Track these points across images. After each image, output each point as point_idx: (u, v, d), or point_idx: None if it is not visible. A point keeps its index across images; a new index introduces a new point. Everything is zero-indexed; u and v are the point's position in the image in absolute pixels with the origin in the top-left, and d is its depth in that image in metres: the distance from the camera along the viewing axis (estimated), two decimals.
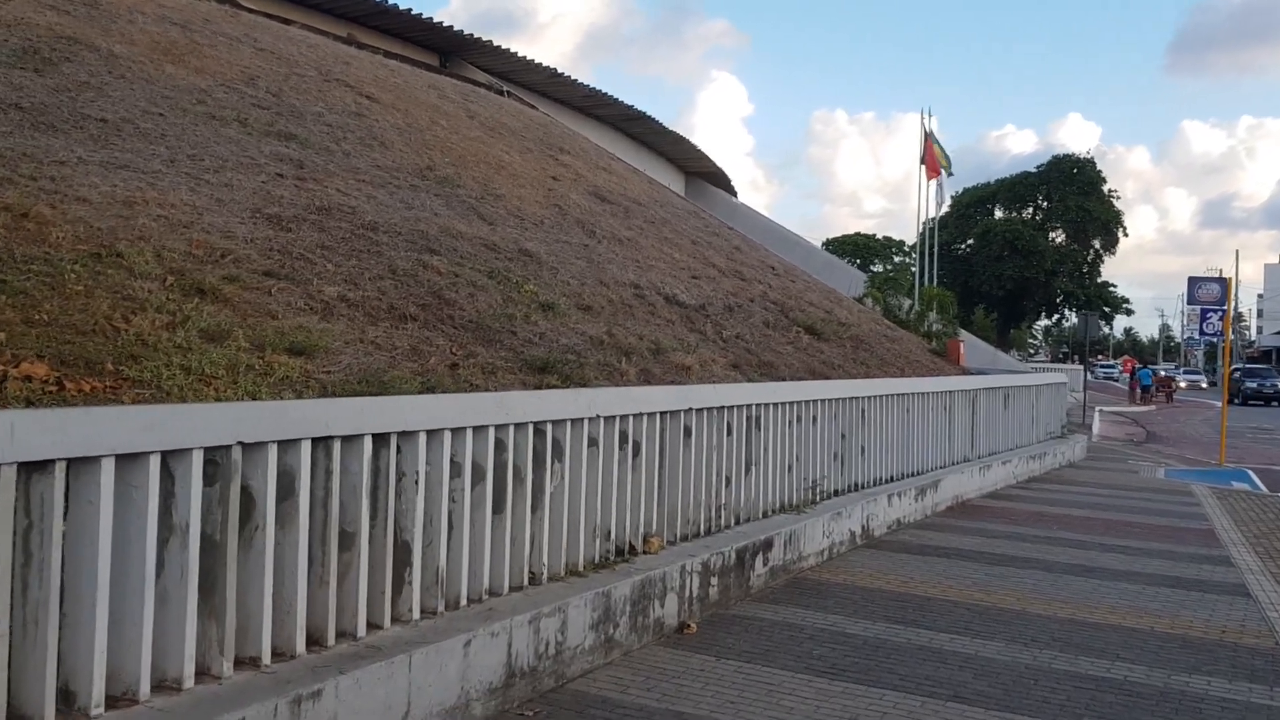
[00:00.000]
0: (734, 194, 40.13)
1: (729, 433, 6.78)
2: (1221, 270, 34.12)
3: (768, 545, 6.64)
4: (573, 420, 5.21)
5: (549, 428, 5.04)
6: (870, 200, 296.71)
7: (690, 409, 6.30)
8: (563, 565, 5.13)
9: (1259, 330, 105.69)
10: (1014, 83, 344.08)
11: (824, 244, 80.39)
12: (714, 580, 5.95)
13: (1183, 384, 62.14)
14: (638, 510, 5.76)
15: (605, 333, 10.18)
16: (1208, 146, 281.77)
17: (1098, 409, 33.22)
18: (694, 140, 32.30)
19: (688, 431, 6.29)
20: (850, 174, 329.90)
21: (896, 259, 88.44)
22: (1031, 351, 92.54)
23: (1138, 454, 19.90)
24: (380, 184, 11.69)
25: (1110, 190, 69.24)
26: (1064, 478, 13.91)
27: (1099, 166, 69.67)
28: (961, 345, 19.61)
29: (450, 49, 23.10)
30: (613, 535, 5.53)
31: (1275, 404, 46.92)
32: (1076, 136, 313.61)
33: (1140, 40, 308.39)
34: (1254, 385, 48.61)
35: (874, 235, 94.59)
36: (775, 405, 7.45)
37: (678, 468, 6.17)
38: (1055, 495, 11.90)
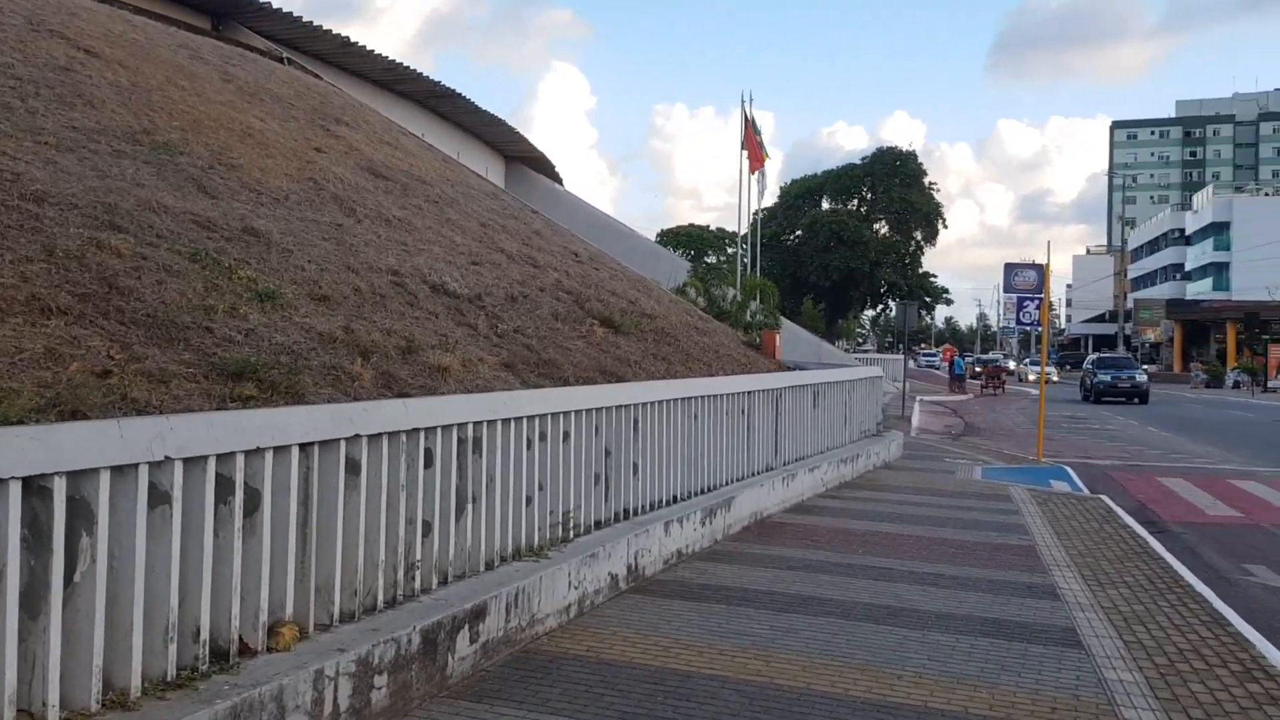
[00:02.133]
0: (559, 181, 38.60)
1: (429, 464, 5.08)
2: (1035, 260, 34.31)
3: (478, 614, 4.96)
4: (116, 468, 3.39)
5: (58, 482, 3.20)
6: (711, 194, 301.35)
7: (359, 435, 4.55)
8: (94, 694, 3.30)
9: (1068, 319, 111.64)
10: (846, 81, 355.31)
11: (658, 236, 79.79)
12: (381, 680, 4.22)
13: (1030, 375, 58.20)
14: (257, 590, 3.97)
15: (342, 328, 8.29)
16: (1022, 145, 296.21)
17: (918, 398, 33.15)
18: (525, 127, 30.71)
19: (354, 468, 4.54)
20: (691, 168, 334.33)
21: (730, 250, 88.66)
22: (860, 341, 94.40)
23: (955, 449, 19.24)
24: (70, 148, 9.41)
25: (931, 183, 71.11)
26: (877, 482, 12.78)
27: (921, 160, 71.44)
28: (778, 337, 18.42)
29: (223, 11, 20.67)
30: (205, 633, 3.73)
31: (1136, 401, 38.03)
32: (903, 133, 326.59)
33: (964, 41, 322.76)
34: (1107, 379, 39.37)
35: (708, 227, 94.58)
36: (507, 421, 5.78)
37: (336, 520, 4.42)
38: (865, 506, 10.68)
